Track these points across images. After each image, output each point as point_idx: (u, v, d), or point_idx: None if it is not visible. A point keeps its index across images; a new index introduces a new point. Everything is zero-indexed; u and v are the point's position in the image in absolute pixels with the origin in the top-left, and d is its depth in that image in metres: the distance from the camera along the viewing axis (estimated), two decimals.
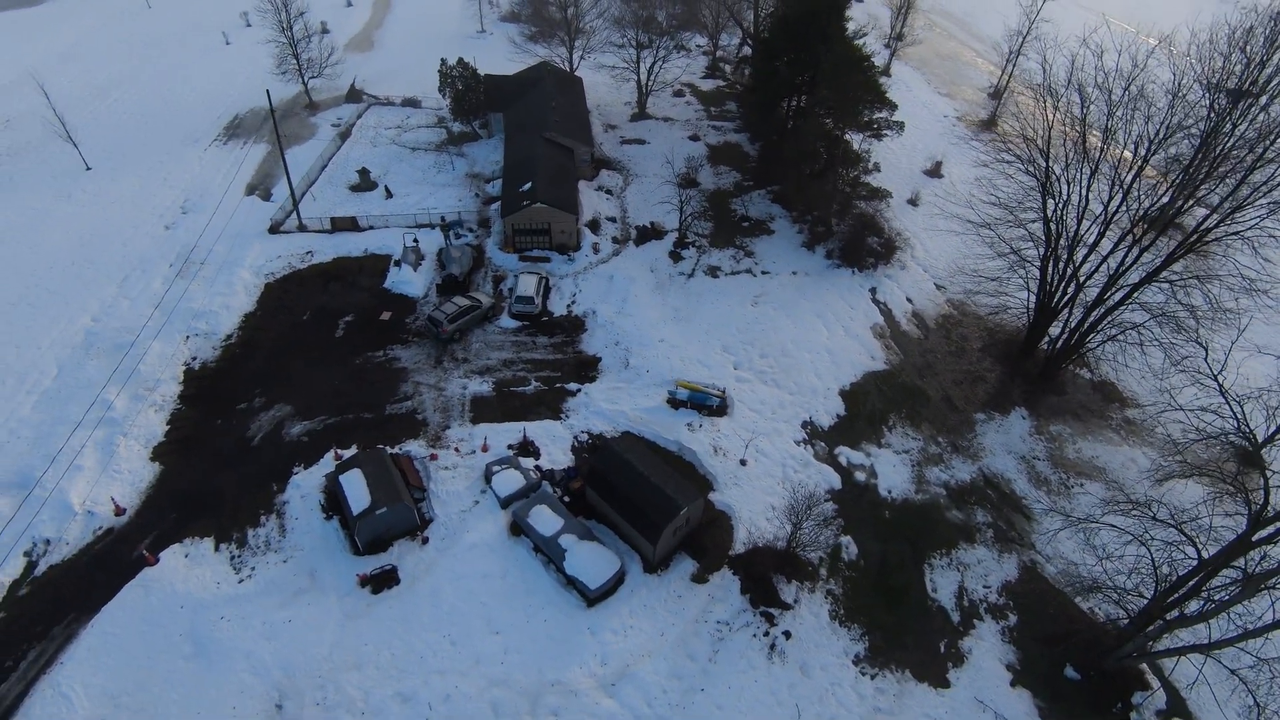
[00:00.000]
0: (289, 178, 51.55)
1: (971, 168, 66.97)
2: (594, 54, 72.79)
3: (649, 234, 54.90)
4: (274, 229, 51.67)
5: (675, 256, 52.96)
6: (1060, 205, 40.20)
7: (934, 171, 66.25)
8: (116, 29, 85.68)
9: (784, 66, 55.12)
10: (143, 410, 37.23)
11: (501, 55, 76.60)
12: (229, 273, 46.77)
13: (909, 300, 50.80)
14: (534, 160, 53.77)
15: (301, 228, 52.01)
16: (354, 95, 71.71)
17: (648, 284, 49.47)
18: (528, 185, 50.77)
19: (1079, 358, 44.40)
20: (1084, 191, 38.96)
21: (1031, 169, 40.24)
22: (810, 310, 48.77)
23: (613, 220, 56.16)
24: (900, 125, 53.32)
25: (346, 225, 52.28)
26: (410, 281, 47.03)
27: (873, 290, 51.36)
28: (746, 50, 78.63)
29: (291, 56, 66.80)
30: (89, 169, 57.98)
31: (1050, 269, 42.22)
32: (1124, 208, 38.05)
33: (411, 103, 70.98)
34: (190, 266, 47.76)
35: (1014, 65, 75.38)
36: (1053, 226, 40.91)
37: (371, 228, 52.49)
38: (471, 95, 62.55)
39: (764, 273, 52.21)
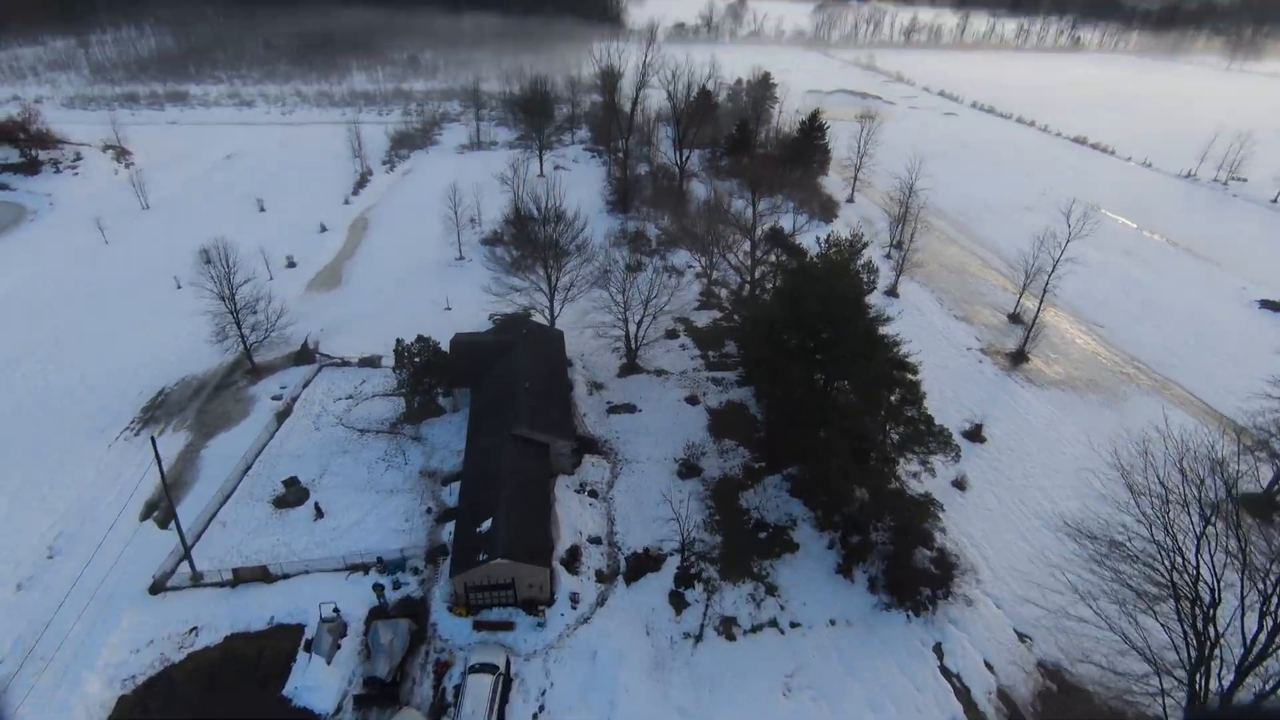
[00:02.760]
0: (181, 532, 40.58)
1: (1020, 429, 57.58)
2: (578, 300, 65.65)
3: (643, 564, 43.46)
4: (156, 588, 40.00)
5: (678, 601, 41.18)
6: (1210, 608, 29.15)
7: (975, 434, 56.46)
8: (65, 274, 79.54)
9: (794, 349, 46.67)
10: None
11: (477, 294, 69.44)
12: (69, 685, 34.28)
13: (988, 666, 38.37)
14: (499, 477, 43.45)
15: (196, 579, 40.41)
16: (305, 355, 63.39)
17: (643, 662, 37.13)
18: (487, 524, 39.93)
19: None
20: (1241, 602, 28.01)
21: (1167, 580, 29.46)
22: (863, 698, 36.17)
23: (597, 542, 44.94)
24: (956, 451, 43.25)
25: (254, 576, 40.75)
26: (317, 687, 34.57)
27: (938, 648, 39.12)
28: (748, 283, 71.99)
29: (233, 324, 58.86)
30: None
31: (1200, 680, 30.31)
32: None
33: (370, 362, 62.47)
34: (30, 663, 35.47)
35: (1041, 302, 68.38)
36: (1199, 626, 29.60)
37: (286, 576, 40.94)
38: (433, 371, 53.78)
39: (794, 625, 40.18)
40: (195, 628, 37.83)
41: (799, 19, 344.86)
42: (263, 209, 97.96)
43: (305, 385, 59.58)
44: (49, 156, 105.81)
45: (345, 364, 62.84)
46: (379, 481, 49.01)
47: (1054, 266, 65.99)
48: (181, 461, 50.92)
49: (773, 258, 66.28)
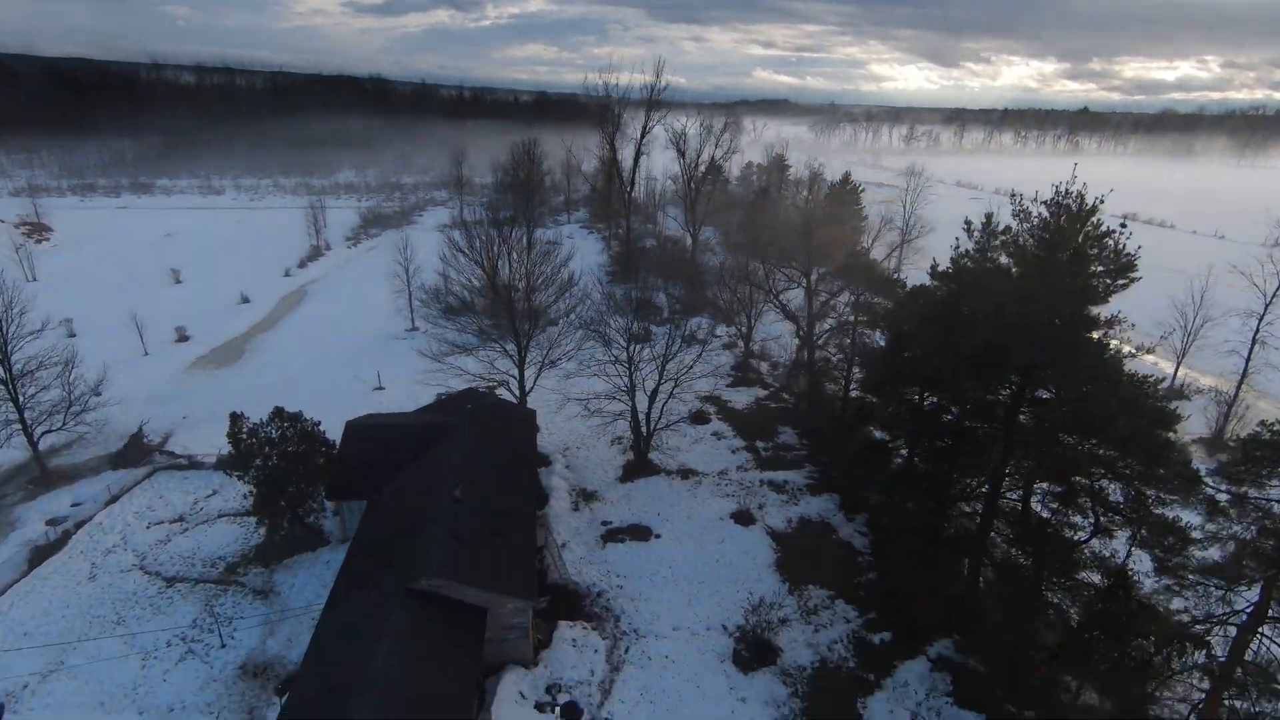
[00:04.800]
0: None
1: None
2: (562, 364, 44.36)
3: None
4: None
5: None
6: None
7: None
8: None
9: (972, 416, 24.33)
10: None
11: (423, 371, 47.79)
12: None
13: None
14: (360, 684, 19.84)
15: None
16: (134, 452, 40.94)
17: None
18: None
19: None
20: None
21: None
22: None
23: None
24: None
25: None
26: None
27: None
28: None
29: (6, 401, 37.02)
30: None
31: None
32: None
33: (230, 463, 39.79)
34: None
35: (1247, 366, 46.18)
36: None
37: None
38: (305, 474, 31.28)
39: None
40: None
41: (798, 131, 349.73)
42: (178, 281, 79.00)
43: (113, 500, 36.67)
44: None
45: (194, 465, 40.24)
46: (152, 689, 25.12)
47: (1264, 313, 44.35)
48: None
49: (844, 302, 45.69)
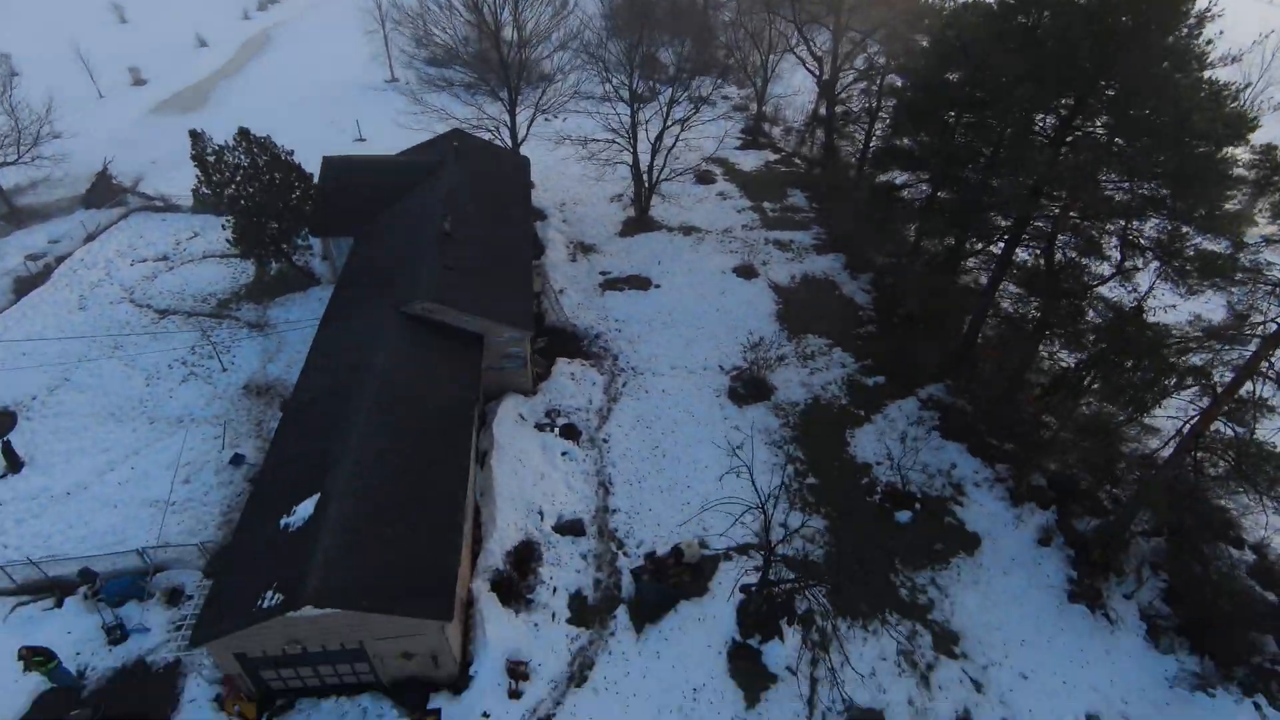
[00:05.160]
0: None
1: None
2: (557, 112, 40.62)
3: (667, 573, 20.68)
4: None
5: (749, 669, 18.67)
6: None
7: None
8: None
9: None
10: None
11: (407, 121, 43.46)
12: None
13: None
14: (359, 394, 19.94)
15: None
16: (102, 192, 38.49)
17: None
18: (305, 508, 16.64)
19: None
20: None
21: None
22: None
23: (574, 531, 21.89)
24: None
25: None
26: None
27: None
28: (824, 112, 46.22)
29: None
30: None
31: None
32: None
33: (203, 201, 37.65)
34: None
35: None
36: None
37: None
38: (282, 204, 29.24)
39: None
40: None
41: None
42: (124, 20, 70.06)
43: (90, 239, 35.19)
44: None
45: (170, 207, 38.17)
46: (160, 403, 25.69)
47: None
48: None
49: (876, 40, 40.50)
